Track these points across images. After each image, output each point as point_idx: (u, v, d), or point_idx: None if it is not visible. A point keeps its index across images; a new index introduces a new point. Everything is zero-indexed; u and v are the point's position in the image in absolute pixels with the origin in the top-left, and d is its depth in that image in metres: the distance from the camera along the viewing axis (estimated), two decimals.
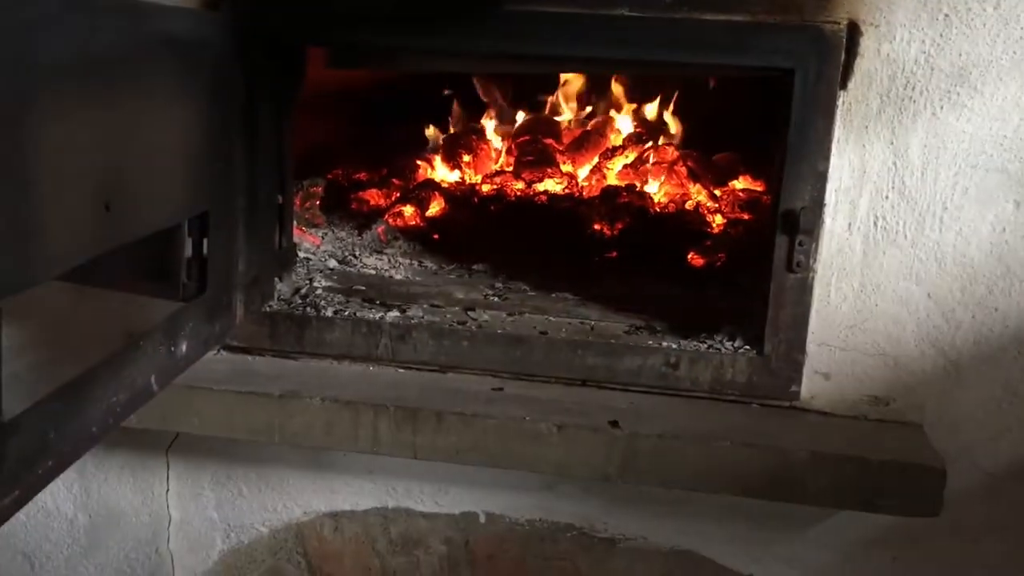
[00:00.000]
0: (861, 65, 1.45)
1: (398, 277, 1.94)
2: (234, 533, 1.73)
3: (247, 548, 1.72)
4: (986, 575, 1.56)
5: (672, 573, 1.62)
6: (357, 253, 2.05)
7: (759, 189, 2.56)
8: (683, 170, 2.54)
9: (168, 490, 1.72)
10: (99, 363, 1.23)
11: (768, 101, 1.65)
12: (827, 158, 1.48)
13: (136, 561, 1.76)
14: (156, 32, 1.28)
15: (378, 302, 1.73)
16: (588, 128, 2.87)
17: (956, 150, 1.46)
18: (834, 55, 1.45)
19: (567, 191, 2.54)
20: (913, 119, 1.46)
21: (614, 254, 2.17)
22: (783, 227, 1.50)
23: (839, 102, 1.47)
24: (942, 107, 1.45)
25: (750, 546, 1.61)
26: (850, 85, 1.46)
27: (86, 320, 1.64)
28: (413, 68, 2.57)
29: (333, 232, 2.18)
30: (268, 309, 1.67)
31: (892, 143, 1.47)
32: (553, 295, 1.86)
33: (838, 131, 1.47)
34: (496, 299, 1.82)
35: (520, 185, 2.55)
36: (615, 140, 2.78)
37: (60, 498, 1.74)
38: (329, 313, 1.65)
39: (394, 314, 1.67)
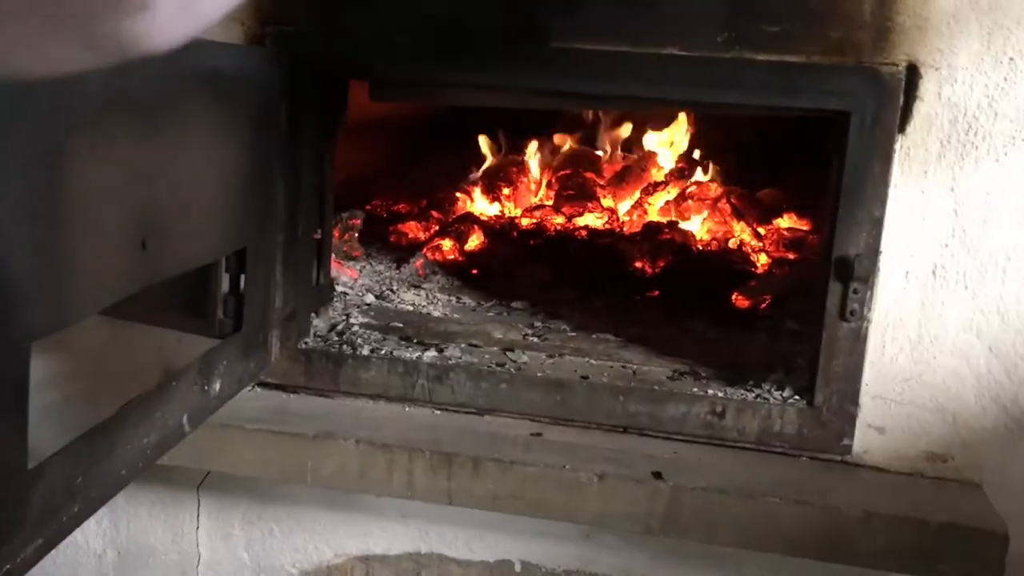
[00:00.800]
0: (920, 108, 1.39)
1: (436, 314, 1.90)
2: (264, 573, 1.69)
3: None
4: None
5: None
6: (395, 288, 2.02)
7: (804, 228, 2.50)
8: (727, 207, 2.49)
9: (198, 528, 1.68)
10: (130, 404, 1.20)
11: (812, 133, 1.61)
12: (884, 204, 1.42)
13: None
14: (198, 67, 1.25)
15: (415, 340, 1.69)
16: (629, 163, 2.84)
17: (1021, 198, 1.39)
18: (892, 98, 1.40)
19: (608, 226, 2.51)
20: (975, 165, 1.40)
21: (656, 293, 2.12)
22: (837, 274, 1.44)
23: (897, 146, 1.41)
24: (1006, 153, 1.39)
25: None
26: (909, 129, 1.40)
27: (122, 354, 1.61)
28: (455, 102, 2.55)
29: (371, 265, 2.15)
30: (304, 346, 1.63)
31: (953, 189, 1.41)
32: (593, 336, 1.81)
33: (895, 176, 1.42)
34: (535, 339, 1.77)
35: (560, 219, 2.52)
36: (657, 175, 2.75)
37: (90, 533, 1.71)
38: (366, 352, 1.61)
39: (431, 354, 1.62)
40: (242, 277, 1.46)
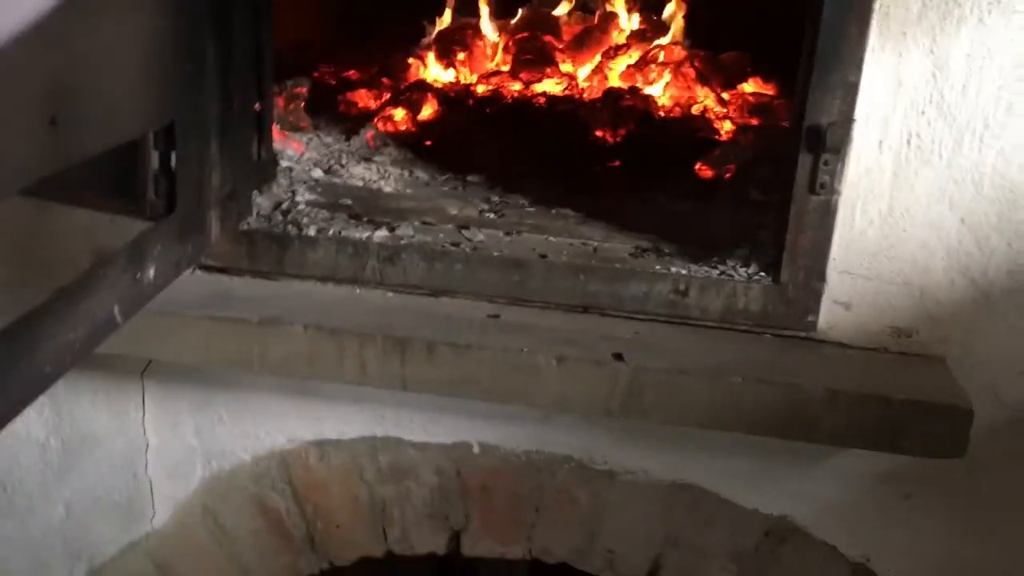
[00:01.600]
0: None
1: (387, 189, 1.81)
2: (215, 460, 1.63)
3: (228, 475, 1.63)
4: (1004, 514, 1.47)
5: (673, 507, 1.54)
6: (344, 161, 1.91)
7: (770, 92, 2.40)
8: (690, 72, 2.37)
9: (144, 415, 1.62)
10: (54, 296, 1.10)
11: None
12: (859, 68, 1.33)
13: (113, 487, 1.67)
14: None
15: (365, 219, 1.61)
16: (589, 24, 2.70)
17: (1003, 62, 1.31)
18: None
19: (567, 92, 2.38)
20: (957, 25, 1.31)
21: (617, 163, 2.03)
22: (807, 145, 1.36)
23: (876, 5, 1.31)
24: (990, 12, 1.30)
25: (756, 480, 1.52)
26: None
27: (49, 237, 1.50)
28: None
29: (319, 137, 2.03)
30: (246, 227, 1.54)
31: (932, 52, 1.32)
32: (553, 211, 1.73)
33: (873, 38, 1.32)
34: (492, 216, 1.69)
35: (518, 86, 2.39)
36: (618, 38, 2.61)
37: (31, 422, 1.64)
38: (312, 232, 1.53)
39: (382, 233, 1.54)
40: (173, 154, 1.35)
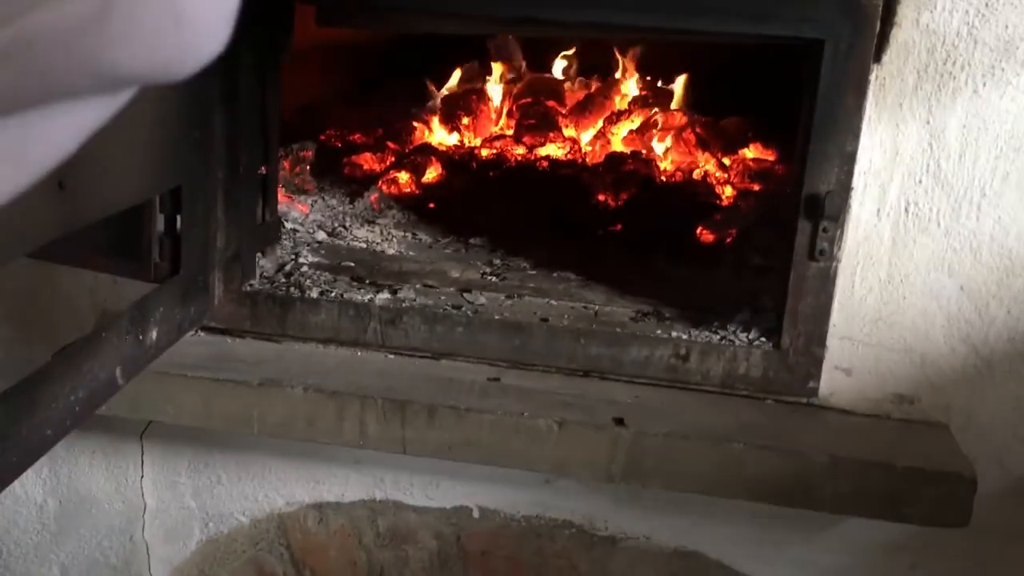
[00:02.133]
0: (898, 36, 1.31)
1: (390, 252, 1.82)
2: (213, 523, 1.62)
3: (227, 538, 1.61)
4: None
5: (676, 574, 1.51)
6: (348, 224, 1.93)
7: (770, 158, 2.43)
8: (691, 137, 2.40)
9: (143, 476, 1.61)
10: (56, 358, 1.10)
11: (780, 61, 1.53)
12: (857, 138, 1.35)
13: (109, 549, 1.65)
14: None
15: (368, 281, 1.62)
16: (592, 91, 2.74)
17: (998, 131, 1.32)
18: (869, 24, 1.31)
19: (570, 157, 2.41)
20: (952, 97, 1.32)
21: (619, 227, 2.04)
22: (806, 212, 1.37)
23: (872, 76, 1.33)
24: (985, 84, 1.31)
25: (760, 548, 1.50)
26: (884, 58, 1.32)
27: (55, 298, 1.51)
28: (410, 29, 2.44)
29: (323, 200, 2.05)
30: (249, 288, 1.54)
31: (928, 122, 1.33)
32: (555, 275, 1.74)
33: (870, 109, 1.34)
34: (494, 279, 1.70)
35: (521, 150, 2.42)
36: (620, 104, 2.65)
37: (28, 483, 1.63)
38: (314, 294, 1.53)
39: (384, 296, 1.55)
40: (178, 217, 1.36)
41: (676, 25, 1.36)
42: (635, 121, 2.55)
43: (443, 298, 1.57)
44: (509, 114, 2.67)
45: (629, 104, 2.64)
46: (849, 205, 1.37)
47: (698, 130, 2.44)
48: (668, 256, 1.87)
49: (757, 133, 2.55)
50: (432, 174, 2.29)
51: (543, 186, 2.22)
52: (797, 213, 1.38)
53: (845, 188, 1.36)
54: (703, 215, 2.05)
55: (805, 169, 1.36)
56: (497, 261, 1.81)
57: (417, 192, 2.18)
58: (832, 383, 1.43)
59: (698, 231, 1.99)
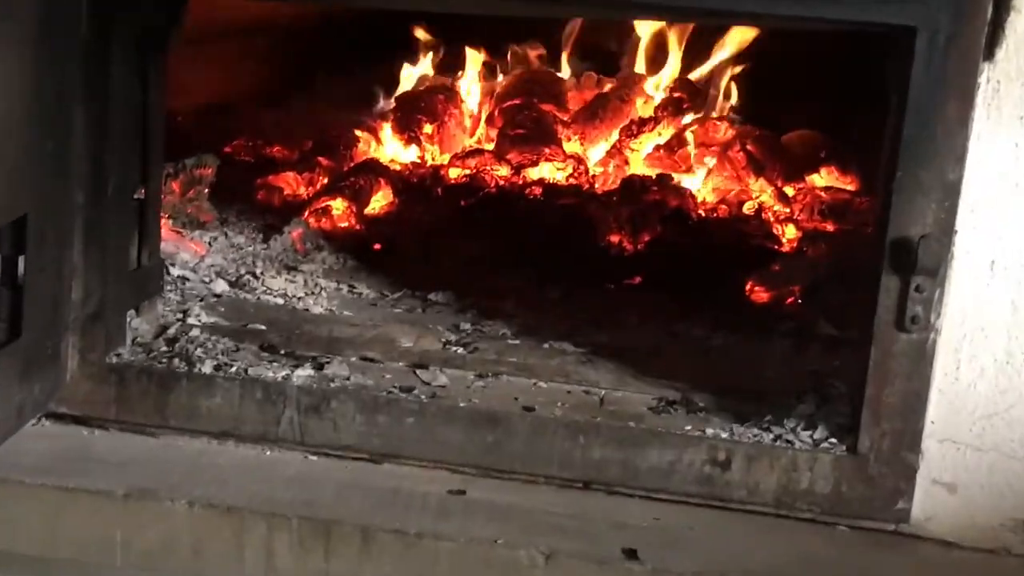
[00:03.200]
0: (1017, 25, 1.33)
1: (317, 310, 1.84)
2: None
3: None
4: None
5: None
6: (260, 270, 1.96)
7: (849, 187, 2.46)
8: (741, 156, 2.44)
9: None
10: None
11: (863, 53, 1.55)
12: (961, 162, 1.36)
13: None
14: None
15: (284, 352, 1.63)
16: (605, 90, 2.78)
17: None
18: (976, 9, 1.33)
19: (572, 181, 2.46)
20: None
21: (637, 280, 2.07)
22: (892, 263, 1.38)
23: (982, 79, 1.35)
24: None
25: None
26: (999, 54, 1.34)
27: None
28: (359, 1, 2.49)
29: (227, 236, 2.08)
30: (116, 360, 1.55)
31: None
32: (546, 345, 1.75)
33: (979, 122, 1.36)
34: (460, 350, 1.71)
35: (505, 171, 2.46)
36: (643, 109, 2.70)
37: None
38: (208, 368, 1.54)
39: (306, 372, 1.56)
40: (21, 259, 1.37)
41: (734, 7, 1.39)
42: (663, 133, 2.58)
43: (388, 376, 1.58)
44: (489, 121, 2.71)
45: (656, 109, 2.69)
46: (951, 255, 1.38)
47: (750, 147, 2.48)
48: (704, 321, 1.88)
49: (833, 153, 2.59)
50: (380, 203, 2.32)
51: (534, 221, 2.26)
52: (880, 265, 1.39)
53: (946, 231, 1.37)
54: (755, 264, 2.07)
55: (891, 204, 1.38)
56: (466, 325, 1.82)
57: (358, 228, 2.21)
58: (930, 503, 1.43)
59: (748, 286, 2.02)
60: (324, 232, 2.15)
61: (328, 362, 1.60)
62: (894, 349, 1.41)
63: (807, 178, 2.48)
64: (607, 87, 2.82)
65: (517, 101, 2.68)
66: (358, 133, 2.55)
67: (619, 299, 2.00)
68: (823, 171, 2.51)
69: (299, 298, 1.89)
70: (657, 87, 2.77)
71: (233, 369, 1.56)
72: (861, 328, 1.47)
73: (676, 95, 2.73)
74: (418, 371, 1.61)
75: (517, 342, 1.77)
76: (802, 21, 1.44)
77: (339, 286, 1.95)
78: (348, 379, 1.56)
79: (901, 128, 1.36)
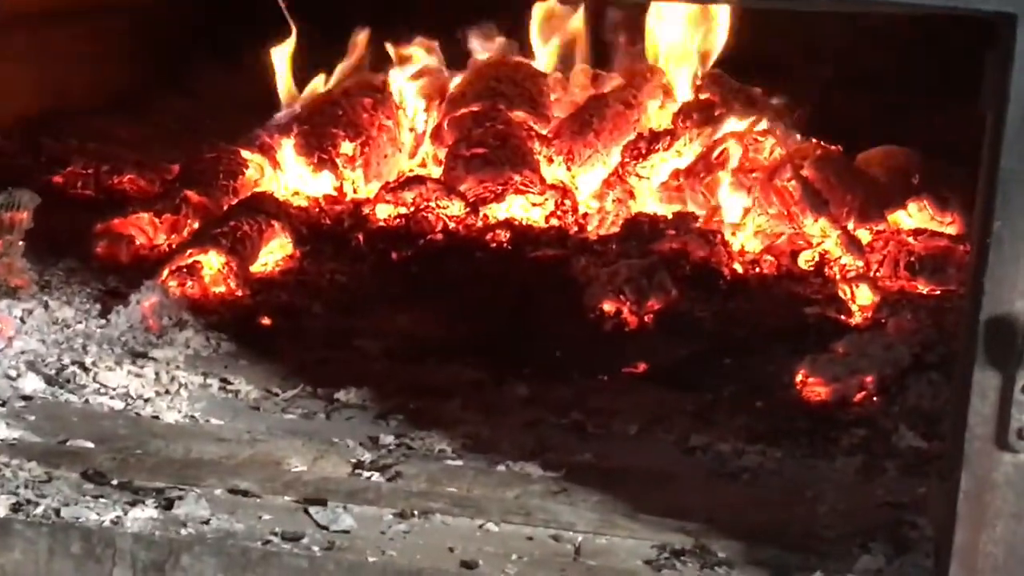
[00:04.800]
0: None
1: (172, 418, 1.83)
2: None
3: None
4: None
5: None
6: (92, 359, 1.95)
7: (949, 229, 2.46)
8: (795, 186, 2.43)
9: None
10: None
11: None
12: None
13: None
14: None
15: (116, 482, 1.61)
16: (604, 91, 2.78)
17: None
18: None
19: (554, 219, 2.50)
20: None
21: (642, 367, 2.08)
22: (989, 352, 1.37)
23: None
24: None
25: None
26: None
27: None
28: None
29: (47, 309, 2.08)
30: None
31: None
32: (501, 467, 1.74)
33: None
34: (376, 477, 1.70)
35: (457, 208, 2.47)
36: (657, 116, 2.70)
37: None
38: (2, 509, 1.52)
39: (147, 513, 1.54)
40: None
41: None
42: (684, 151, 2.58)
43: (267, 518, 1.56)
44: (437, 136, 2.71)
45: (675, 117, 2.69)
46: None
47: (808, 173, 2.48)
48: (735, 428, 1.89)
49: (930, 178, 2.59)
50: (274, 256, 2.31)
51: (497, 283, 2.29)
52: (972, 354, 1.38)
53: None
54: (811, 344, 2.09)
55: (985, 266, 1.37)
56: (388, 438, 1.81)
57: (240, 294, 2.22)
58: None
59: (799, 378, 2.02)
60: (190, 301, 2.15)
61: (181, 497, 1.58)
62: (994, 476, 1.40)
63: (888, 216, 2.47)
64: (607, 85, 2.82)
65: (476, 107, 2.69)
66: (246, 155, 2.55)
67: (613, 397, 2.00)
68: (913, 205, 2.50)
69: (147, 400, 1.87)
70: (673, 86, 2.77)
71: (40, 509, 1.54)
72: (954, 443, 1.46)
73: (704, 96, 2.74)
74: (312, 509, 1.59)
75: (460, 463, 1.76)
76: (889, 5, 1.44)
77: (207, 381, 1.95)
78: (208, 522, 1.55)
79: (998, 158, 1.36)
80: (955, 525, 1.42)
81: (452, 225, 2.45)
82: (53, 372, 1.90)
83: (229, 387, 1.95)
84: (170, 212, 2.39)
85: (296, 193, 2.54)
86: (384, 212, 2.46)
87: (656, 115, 2.73)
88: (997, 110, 1.38)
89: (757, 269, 2.35)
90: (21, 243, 2.16)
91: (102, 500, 1.57)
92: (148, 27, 2.93)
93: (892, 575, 1.50)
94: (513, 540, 1.57)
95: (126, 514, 1.54)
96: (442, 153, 2.66)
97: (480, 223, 2.45)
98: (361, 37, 2.92)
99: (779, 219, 2.44)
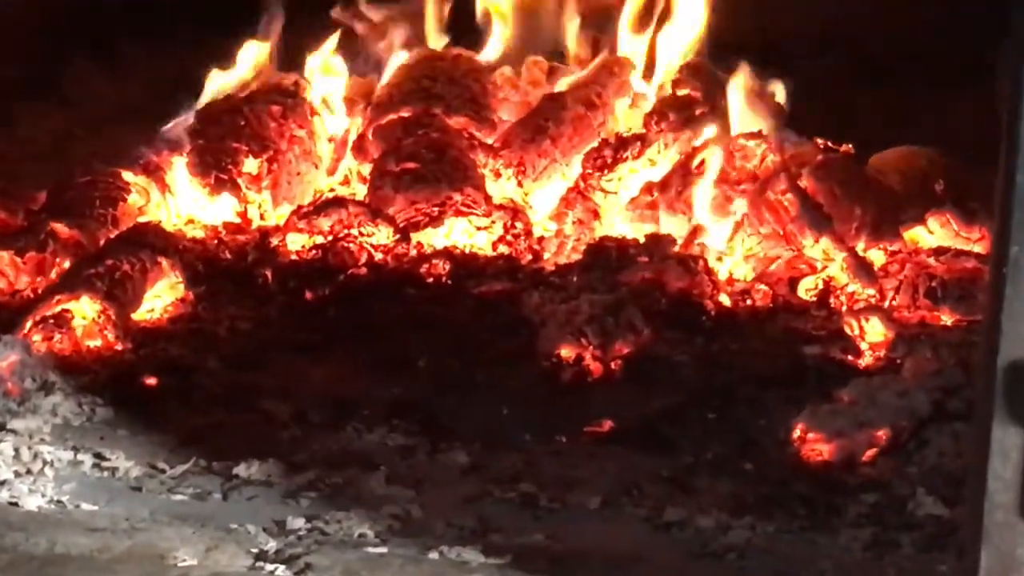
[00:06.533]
0: None
1: (33, 504, 1.82)
2: None
3: None
4: None
5: None
6: None
7: (976, 247, 2.47)
8: (791, 200, 2.44)
9: None
10: None
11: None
12: None
13: None
14: None
15: None
16: (561, 88, 2.79)
17: None
18: None
19: (503, 247, 2.51)
20: None
21: (606, 426, 2.08)
22: (1010, 404, 1.38)
23: None
24: None
25: None
26: None
27: None
28: None
29: None
30: None
31: None
32: (433, 555, 1.73)
33: None
34: (282, 568, 1.69)
35: (385, 235, 2.46)
36: (625, 119, 2.71)
37: None
38: None
39: None
40: None
41: None
42: (656, 160, 2.58)
43: None
44: (359, 148, 2.70)
45: (647, 119, 2.69)
46: None
47: (807, 183, 2.49)
48: (719, 497, 1.89)
49: (956, 185, 2.60)
50: (161, 298, 2.30)
51: (432, 327, 2.30)
52: (990, 408, 1.39)
53: None
54: (811, 392, 2.10)
55: (1002, 298, 1.38)
56: (297, 521, 1.80)
57: (119, 348, 2.22)
58: None
59: (796, 432, 2.03)
60: (58, 359, 2.14)
61: None
62: (1019, 553, 1.40)
63: (904, 232, 2.48)
64: (563, 80, 2.83)
65: (406, 112, 2.69)
66: (128, 177, 2.55)
67: (572, 464, 2.01)
68: (934, 220, 2.51)
69: (3, 482, 1.86)
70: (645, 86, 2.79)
71: None
72: (973, 513, 1.46)
73: (682, 91, 2.75)
74: None
75: (384, 550, 1.76)
76: None
77: (78, 457, 1.94)
78: None
79: (1014, 171, 1.37)
80: None
81: (379, 256, 2.44)
82: None
83: (105, 463, 1.93)
84: (34, 249, 2.37)
85: (190, 222, 2.54)
86: (296, 243, 2.46)
87: (625, 116, 2.73)
88: (1012, 108, 1.39)
89: (747, 301, 2.34)
90: None
91: None
92: (10, 23, 2.92)
93: None
94: None
95: None
96: (366, 169, 2.65)
97: (413, 252, 2.44)
98: (274, 24, 2.91)
99: (774, 240, 2.45)
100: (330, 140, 2.78)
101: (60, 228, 2.42)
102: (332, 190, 2.67)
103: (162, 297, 2.30)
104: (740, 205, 2.50)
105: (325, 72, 2.89)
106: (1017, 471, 1.42)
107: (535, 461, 2.01)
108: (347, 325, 2.30)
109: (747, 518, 1.84)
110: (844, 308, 2.31)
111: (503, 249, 2.47)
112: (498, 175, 2.60)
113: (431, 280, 2.39)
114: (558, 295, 2.33)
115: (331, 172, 2.72)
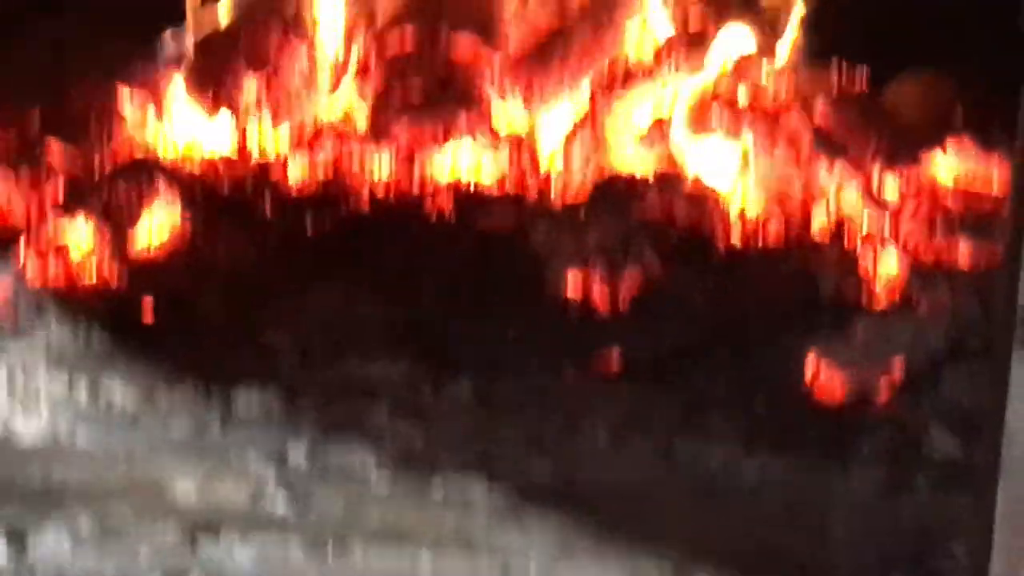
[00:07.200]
0: None
1: (27, 434, 1.85)
2: None
3: None
4: None
5: None
6: None
7: (997, 180, 2.47)
8: (805, 131, 2.45)
9: None
10: None
11: None
12: None
13: None
14: None
15: None
16: (570, 19, 2.79)
17: None
18: None
19: (508, 183, 2.51)
20: None
21: (616, 361, 2.10)
22: None
23: None
24: None
25: None
26: None
27: None
28: None
29: None
30: None
31: None
32: (436, 487, 1.75)
33: None
34: (283, 500, 1.71)
35: (388, 161, 2.46)
36: (634, 47, 2.71)
37: None
38: None
39: None
40: None
41: None
42: (666, 85, 2.60)
43: (145, 554, 1.58)
44: (361, 72, 2.70)
45: (658, 50, 2.69)
46: None
47: (821, 113, 2.49)
48: (729, 433, 1.91)
49: (976, 111, 2.59)
50: (159, 226, 2.31)
51: (436, 260, 2.30)
52: (1006, 339, 1.40)
53: None
54: (823, 327, 2.11)
55: (1022, 229, 1.39)
56: (298, 453, 1.83)
57: (115, 277, 2.24)
58: None
59: (809, 369, 2.05)
60: (51, 288, 2.15)
61: (37, 531, 1.59)
62: None
63: (921, 159, 2.47)
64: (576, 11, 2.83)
65: (411, 31, 2.68)
66: (126, 96, 2.55)
67: (579, 399, 2.02)
68: (952, 146, 2.50)
69: None
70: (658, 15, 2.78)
71: None
72: (990, 451, 1.48)
73: (692, 30, 2.76)
74: (199, 540, 1.61)
75: (385, 485, 1.77)
76: None
77: (73, 388, 1.94)
78: (71, 563, 1.55)
79: None
80: (991, 554, 1.44)
81: (381, 189, 2.43)
82: None
83: (101, 394, 1.95)
84: (31, 173, 2.38)
85: (188, 151, 2.51)
86: (296, 172, 2.44)
87: (633, 44, 2.71)
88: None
89: (760, 236, 2.33)
90: None
91: None
92: None
93: None
94: None
95: None
96: (370, 96, 2.64)
97: (416, 186, 2.43)
98: None
99: (786, 171, 2.44)
100: (332, 65, 2.74)
101: (54, 152, 2.41)
102: (322, 124, 2.62)
103: (153, 222, 2.27)
104: (753, 133, 2.48)
105: None
106: None
107: (540, 396, 2.01)
108: (346, 259, 2.27)
109: (758, 456, 1.86)
110: (858, 244, 2.28)
111: (509, 183, 2.44)
112: (502, 98, 2.56)
113: (434, 216, 2.36)
114: (566, 229, 2.31)
115: (331, 95, 2.68)
